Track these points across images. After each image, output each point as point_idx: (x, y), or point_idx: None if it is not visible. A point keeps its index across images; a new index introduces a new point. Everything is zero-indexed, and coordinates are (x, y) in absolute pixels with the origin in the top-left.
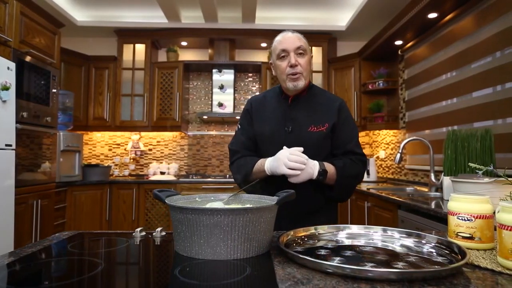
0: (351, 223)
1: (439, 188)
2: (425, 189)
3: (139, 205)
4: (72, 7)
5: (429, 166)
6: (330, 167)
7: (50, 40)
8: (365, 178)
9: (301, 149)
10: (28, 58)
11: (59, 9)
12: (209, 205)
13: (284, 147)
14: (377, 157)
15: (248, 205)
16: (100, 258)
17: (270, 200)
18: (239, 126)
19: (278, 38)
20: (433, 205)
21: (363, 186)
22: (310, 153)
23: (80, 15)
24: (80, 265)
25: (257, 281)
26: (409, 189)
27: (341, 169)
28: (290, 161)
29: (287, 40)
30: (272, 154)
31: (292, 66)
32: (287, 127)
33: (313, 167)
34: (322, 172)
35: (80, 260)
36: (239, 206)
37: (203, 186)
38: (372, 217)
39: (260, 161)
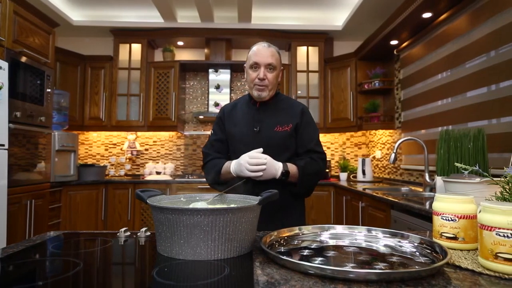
0: (346, 223)
1: (434, 188)
2: (420, 189)
3: (135, 205)
4: (68, 7)
5: (424, 166)
6: (292, 167)
7: (45, 39)
8: (361, 178)
9: (261, 150)
10: (22, 58)
11: (54, 9)
12: (193, 205)
13: (248, 153)
14: (373, 157)
15: (232, 205)
16: (80, 259)
17: (254, 200)
18: (212, 132)
19: (254, 49)
20: (426, 205)
21: (359, 186)
22: (277, 151)
23: (76, 15)
24: (59, 265)
25: (234, 281)
26: (404, 189)
27: (302, 168)
28: (251, 165)
29: (261, 54)
30: (243, 152)
31: (260, 79)
32: (255, 128)
33: (277, 169)
34: (285, 173)
35: (60, 261)
36: (223, 206)
37: (199, 186)
38: (366, 217)
39: (227, 163)
